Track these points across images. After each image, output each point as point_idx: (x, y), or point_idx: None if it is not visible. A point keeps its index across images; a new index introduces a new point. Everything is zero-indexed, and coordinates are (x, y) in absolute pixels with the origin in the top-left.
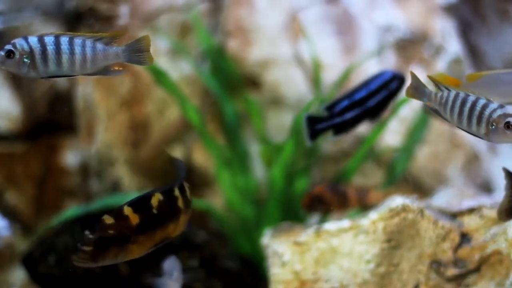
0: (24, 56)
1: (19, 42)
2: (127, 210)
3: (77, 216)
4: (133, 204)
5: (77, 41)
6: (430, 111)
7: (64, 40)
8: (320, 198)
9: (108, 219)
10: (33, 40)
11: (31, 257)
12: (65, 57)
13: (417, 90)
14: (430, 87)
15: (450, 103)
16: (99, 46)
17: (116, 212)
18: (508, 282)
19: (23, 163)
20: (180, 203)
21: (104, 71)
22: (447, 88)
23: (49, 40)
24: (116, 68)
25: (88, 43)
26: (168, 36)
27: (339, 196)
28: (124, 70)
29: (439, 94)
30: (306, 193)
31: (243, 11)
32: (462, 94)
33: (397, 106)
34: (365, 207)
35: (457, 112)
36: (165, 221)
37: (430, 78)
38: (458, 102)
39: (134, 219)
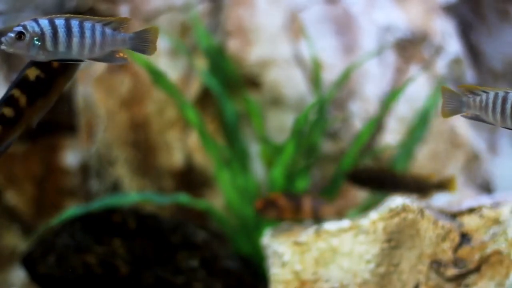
0: (35, 38)
1: (29, 24)
2: None
3: (77, 216)
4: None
5: (87, 24)
6: (470, 119)
7: (74, 23)
8: (273, 203)
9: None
10: (44, 22)
11: (31, 257)
12: (75, 40)
13: (454, 106)
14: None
15: (490, 104)
16: (108, 31)
17: None
18: (508, 282)
19: (23, 163)
20: None
21: (109, 58)
22: (484, 91)
23: (60, 22)
24: (121, 55)
25: (98, 27)
26: (168, 35)
27: (293, 204)
28: (127, 59)
29: (478, 98)
30: (262, 197)
31: (243, 11)
32: (501, 93)
33: (388, 101)
34: (318, 219)
35: (499, 111)
36: None
37: (462, 87)
38: (499, 101)
39: None
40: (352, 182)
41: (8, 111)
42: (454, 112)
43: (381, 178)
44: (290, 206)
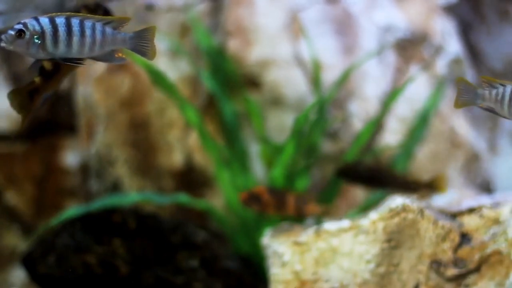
0: (35, 36)
1: (30, 22)
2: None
3: (77, 216)
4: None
5: (88, 23)
6: (485, 111)
7: (75, 21)
8: (257, 197)
9: None
10: (44, 20)
11: (31, 257)
12: (75, 39)
13: (468, 97)
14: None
15: (507, 97)
16: (108, 30)
17: None
18: (508, 282)
19: (23, 163)
20: None
21: (108, 57)
22: (502, 84)
23: (60, 21)
24: (120, 55)
25: (98, 26)
26: (168, 36)
27: (277, 199)
28: (126, 59)
29: (494, 91)
30: (247, 190)
31: (243, 11)
32: None
33: (388, 101)
34: (302, 216)
35: None
36: None
37: (483, 78)
38: None
39: None
40: (343, 177)
41: (47, 64)
42: (467, 103)
43: (372, 175)
44: (273, 202)
